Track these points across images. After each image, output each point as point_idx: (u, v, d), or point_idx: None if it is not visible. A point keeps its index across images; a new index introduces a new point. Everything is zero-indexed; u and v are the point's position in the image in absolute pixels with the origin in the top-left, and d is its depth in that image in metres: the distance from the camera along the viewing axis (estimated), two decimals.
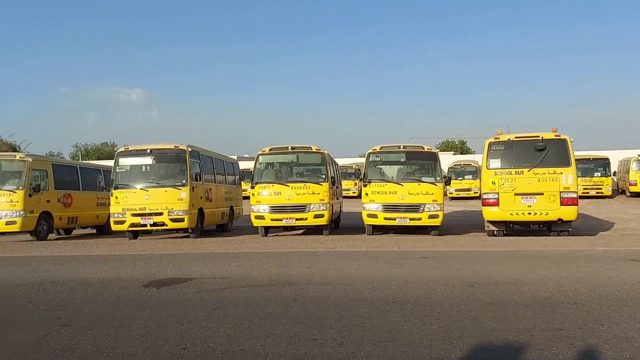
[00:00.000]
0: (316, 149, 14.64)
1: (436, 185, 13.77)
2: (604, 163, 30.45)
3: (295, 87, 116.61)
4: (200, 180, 14.76)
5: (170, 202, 13.95)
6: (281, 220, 14.14)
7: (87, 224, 17.93)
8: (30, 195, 14.48)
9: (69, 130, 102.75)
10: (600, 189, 29.80)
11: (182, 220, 14.00)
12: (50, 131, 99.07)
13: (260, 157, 14.81)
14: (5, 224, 14.22)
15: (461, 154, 57.26)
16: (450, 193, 32.04)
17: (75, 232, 18.48)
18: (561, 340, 4.41)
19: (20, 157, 15.06)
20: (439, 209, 13.63)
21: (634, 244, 11.31)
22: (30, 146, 47.30)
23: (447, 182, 14.70)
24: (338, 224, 17.35)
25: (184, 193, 14.00)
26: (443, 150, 61.54)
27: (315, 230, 15.01)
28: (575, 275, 7.22)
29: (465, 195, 31.24)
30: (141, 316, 5.50)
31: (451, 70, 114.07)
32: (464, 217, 19.80)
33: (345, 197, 26.44)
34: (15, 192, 14.26)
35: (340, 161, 27.22)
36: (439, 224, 13.80)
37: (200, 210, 14.81)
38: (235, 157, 24.02)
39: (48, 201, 15.23)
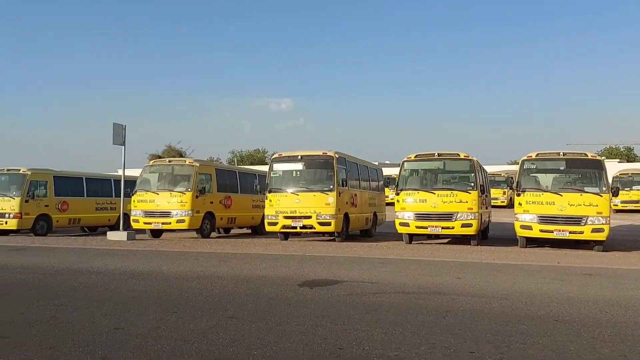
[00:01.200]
0: (464, 156, 14.21)
1: (601, 196, 12.54)
2: None
3: (439, 92, 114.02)
4: (346, 185, 15.17)
5: (319, 206, 14.53)
6: (426, 228, 13.94)
7: (244, 224, 19.39)
8: (197, 197, 16.05)
9: (226, 137, 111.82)
10: None
11: (329, 224, 14.49)
12: (210, 138, 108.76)
13: (406, 164, 14.76)
14: (176, 222, 15.93)
15: (627, 161, 51.42)
16: (614, 205, 28.94)
17: (232, 231, 20.09)
18: None
19: (189, 162, 16.81)
20: (604, 222, 12.40)
21: None
22: (193, 152, 52.27)
23: (615, 193, 13.30)
24: (486, 235, 16.62)
25: (331, 198, 14.48)
26: (607, 158, 55.82)
27: (461, 240, 14.55)
28: None
29: (633, 208, 28.01)
30: (298, 314, 5.80)
31: (610, 67, 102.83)
32: (632, 233, 17.75)
33: (493, 206, 25.26)
34: (185, 194, 15.92)
35: (489, 169, 26.04)
36: (603, 239, 12.55)
37: (346, 215, 15.20)
38: (376, 164, 24.29)
39: (211, 202, 16.76)
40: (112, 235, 15.80)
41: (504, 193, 31.27)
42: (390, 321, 5.47)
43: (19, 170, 17.97)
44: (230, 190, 17.90)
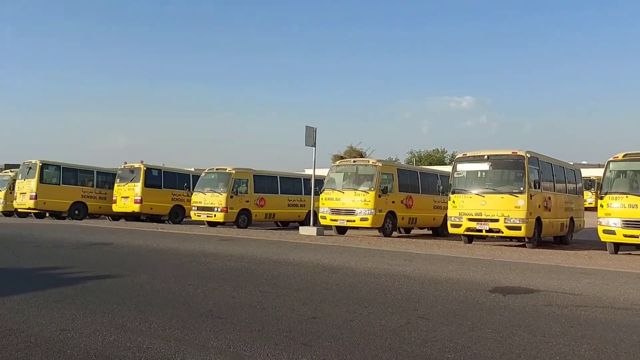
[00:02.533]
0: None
1: None
2: None
3: None
4: (538, 187, 14.10)
5: (507, 209, 13.74)
6: (637, 237, 12.25)
7: (425, 225, 19.26)
8: (379, 196, 16.40)
9: (404, 137, 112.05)
10: None
11: (518, 228, 13.62)
12: (389, 139, 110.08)
13: (612, 164, 13.17)
14: (360, 220, 16.48)
15: None
16: None
17: (412, 232, 20.08)
18: None
19: (372, 163, 17.25)
20: None
21: None
22: (373, 153, 53.35)
23: None
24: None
25: (522, 200, 13.59)
26: None
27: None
28: None
29: None
30: (491, 320, 5.56)
31: None
32: None
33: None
34: (368, 193, 16.37)
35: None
36: None
37: (538, 219, 14.13)
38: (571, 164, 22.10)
39: (393, 202, 16.98)
40: (303, 230, 16.96)
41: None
42: (599, 337, 4.93)
43: (226, 169, 20.29)
44: (411, 191, 17.93)
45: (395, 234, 17.93)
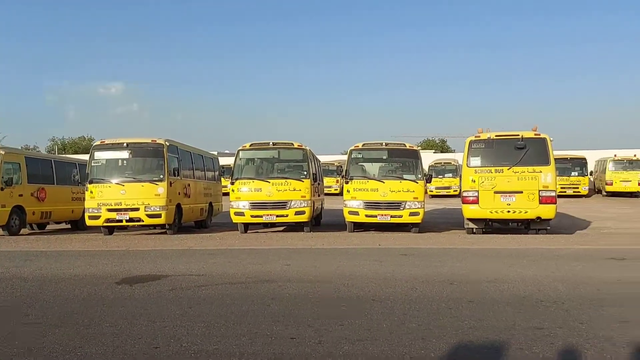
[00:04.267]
0: (298, 145, 14.48)
1: (417, 182, 13.74)
2: (581, 163, 30.87)
3: (283, 84, 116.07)
4: (178, 175, 14.49)
5: (147, 197, 13.66)
6: (261, 217, 13.95)
7: (62, 218, 17.48)
8: (2, 189, 14.05)
9: (48, 124, 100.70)
10: (577, 188, 30.22)
11: (159, 216, 13.72)
12: (30, 125, 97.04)
13: (241, 153, 14.60)
14: None
15: (441, 152, 57.65)
16: (430, 191, 32.14)
17: (49, 227, 18.02)
18: (542, 340, 4.35)
19: None
20: (419, 206, 13.60)
21: (612, 243, 11.41)
22: (6, 140, 46.04)
23: (428, 180, 14.68)
24: (319, 221, 17.23)
25: (161, 188, 13.72)
26: (424, 149, 61.93)
27: (296, 228, 14.88)
28: (555, 274, 7.21)
29: (445, 194, 31.37)
30: (112, 313, 5.31)
31: (431, 68, 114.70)
32: (444, 215, 19.83)
33: (327, 194, 26.33)
34: None
35: (323, 158, 27.10)
36: (419, 222, 13.78)
37: (178, 206, 14.54)
38: (215, 153, 23.75)
39: (20, 195, 14.80)
40: None
41: (337, 181, 32.83)
42: (214, 314, 5.27)
43: None
44: (44, 182, 15.99)
45: (25, 230, 15.72)
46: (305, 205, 13.86)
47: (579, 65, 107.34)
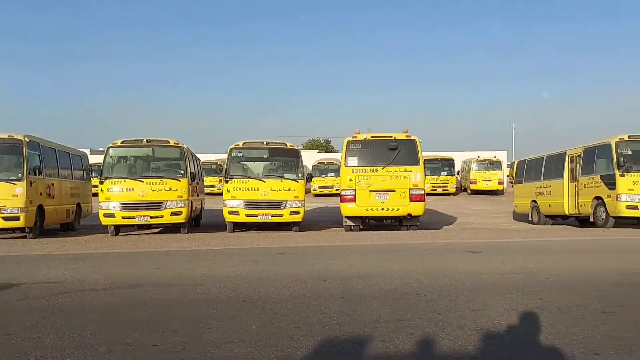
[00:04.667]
0: (174, 143, 13.95)
1: (298, 182, 13.89)
2: (449, 163, 33.34)
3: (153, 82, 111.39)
4: (40, 174, 13.28)
5: (4, 198, 12.37)
6: (134, 218, 13.24)
7: None
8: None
9: None
10: (446, 186, 32.58)
11: (17, 219, 12.47)
12: None
13: (111, 150, 13.73)
14: None
15: (326, 152, 59.03)
16: (314, 190, 32.77)
17: None
18: (402, 331, 4.55)
19: None
20: (300, 205, 13.76)
21: (471, 237, 12.40)
22: None
23: (309, 179, 14.91)
24: (199, 222, 16.78)
25: (20, 188, 12.49)
26: (308, 149, 63.03)
27: (173, 229, 14.32)
28: (420, 267, 7.64)
29: (328, 192, 32.12)
30: None
31: (316, 70, 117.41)
32: (325, 213, 20.31)
33: (209, 194, 25.79)
34: None
35: (204, 157, 26.44)
36: (300, 220, 13.94)
37: (40, 207, 13.33)
38: (87, 151, 22.16)
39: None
40: None
41: (220, 181, 32.27)
42: (70, 324, 4.85)
43: None
44: None
45: None
46: (182, 205, 13.39)
47: (448, 74, 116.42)
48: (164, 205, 13.24)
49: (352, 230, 13.92)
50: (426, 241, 11.16)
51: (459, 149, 41.07)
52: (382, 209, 13.32)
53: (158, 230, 15.18)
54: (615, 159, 13.60)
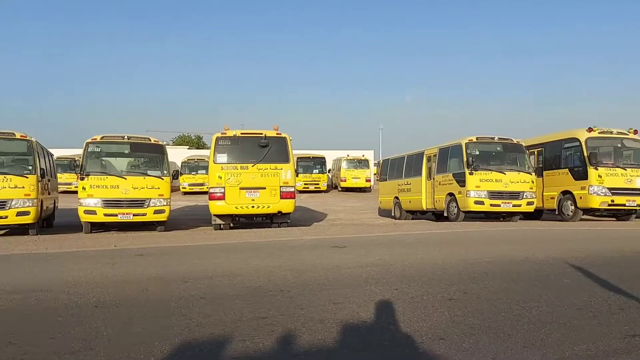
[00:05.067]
0: (21, 135, 12.60)
1: (163, 179, 13.30)
2: (321, 161, 34.29)
3: None
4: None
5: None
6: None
7: None
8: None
9: None
10: (318, 184, 33.48)
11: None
12: None
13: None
14: None
15: (197, 148, 57.45)
16: (183, 188, 31.74)
17: None
18: (264, 329, 4.51)
19: None
20: (165, 204, 13.19)
21: (338, 233, 12.80)
22: None
23: (175, 177, 14.37)
24: (52, 223, 15.36)
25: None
26: (179, 145, 60.89)
27: (19, 231, 12.91)
28: (286, 264, 7.68)
29: (199, 190, 31.31)
30: None
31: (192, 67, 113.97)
32: (195, 212, 19.74)
33: (65, 192, 23.82)
34: None
35: (58, 152, 24.30)
36: (165, 220, 13.37)
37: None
38: None
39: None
40: None
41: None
42: None
43: None
44: None
45: None
46: (31, 204, 12.16)
47: (314, 77, 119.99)
48: (8, 205, 11.91)
49: (221, 229, 13.66)
50: (295, 238, 11.28)
51: (331, 148, 42.40)
52: (253, 206, 13.24)
53: (3, 232, 13.62)
54: (465, 159, 14.90)
